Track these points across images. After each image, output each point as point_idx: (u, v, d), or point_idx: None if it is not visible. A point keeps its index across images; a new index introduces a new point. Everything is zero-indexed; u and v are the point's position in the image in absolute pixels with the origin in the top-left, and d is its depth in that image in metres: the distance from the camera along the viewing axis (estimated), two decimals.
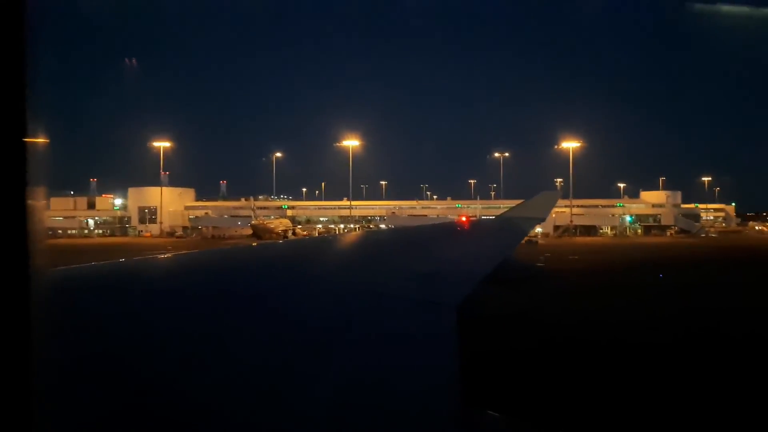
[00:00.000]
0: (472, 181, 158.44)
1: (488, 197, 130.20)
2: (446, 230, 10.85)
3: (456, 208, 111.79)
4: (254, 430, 1.56)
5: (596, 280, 34.65)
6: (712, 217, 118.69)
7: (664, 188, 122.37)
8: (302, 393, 1.80)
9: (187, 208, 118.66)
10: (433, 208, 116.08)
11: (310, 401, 1.75)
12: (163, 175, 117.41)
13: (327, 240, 9.31)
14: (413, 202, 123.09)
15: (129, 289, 2.73)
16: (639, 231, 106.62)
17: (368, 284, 3.64)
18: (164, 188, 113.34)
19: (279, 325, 2.47)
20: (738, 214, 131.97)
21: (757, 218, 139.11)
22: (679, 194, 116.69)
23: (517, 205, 12.33)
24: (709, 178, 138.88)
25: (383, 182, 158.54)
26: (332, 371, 2.01)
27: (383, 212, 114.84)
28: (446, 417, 1.81)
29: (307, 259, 4.69)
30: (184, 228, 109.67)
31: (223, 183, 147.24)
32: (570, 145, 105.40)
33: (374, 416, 1.74)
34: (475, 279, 4.50)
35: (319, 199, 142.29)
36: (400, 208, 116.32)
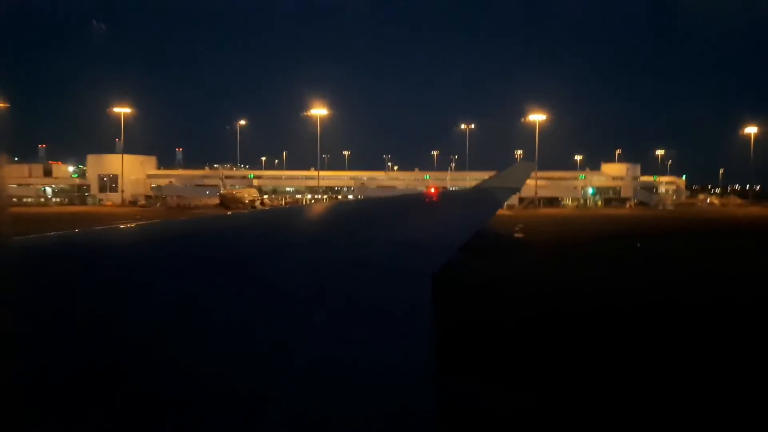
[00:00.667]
0: (435, 153, 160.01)
1: (450, 168, 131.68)
2: (421, 200, 10.74)
3: (424, 179, 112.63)
4: (229, 401, 1.51)
5: (575, 250, 35.69)
6: (663, 189, 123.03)
7: (620, 160, 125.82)
8: (278, 361, 1.81)
9: (149, 176, 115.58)
10: (400, 180, 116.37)
11: (287, 368, 1.76)
12: (118, 142, 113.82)
13: (302, 210, 9.06)
14: (381, 173, 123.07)
15: (104, 258, 2.69)
16: (599, 203, 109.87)
17: (344, 252, 3.62)
18: (126, 156, 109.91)
19: (255, 294, 2.48)
20: (686, 187, 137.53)
21: (703, 191, 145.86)
22: (638, 167, 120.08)
23: (494, 175, 12.33)
24: (662, 151, 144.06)
25: (346, 152, 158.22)
26: (307, 338, 2.02)
27: (351, 183, 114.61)
28: (422, 383, 1.82)
29: (282, 229, 4.65)
30: (147, 197, 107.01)
31: (179, 150, 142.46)
32: (536, 117, 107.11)
33: (349, 383, 1.76)
34: (451, 248, 4.50)
35: (279, 168, 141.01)
36: (369, 178, 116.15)
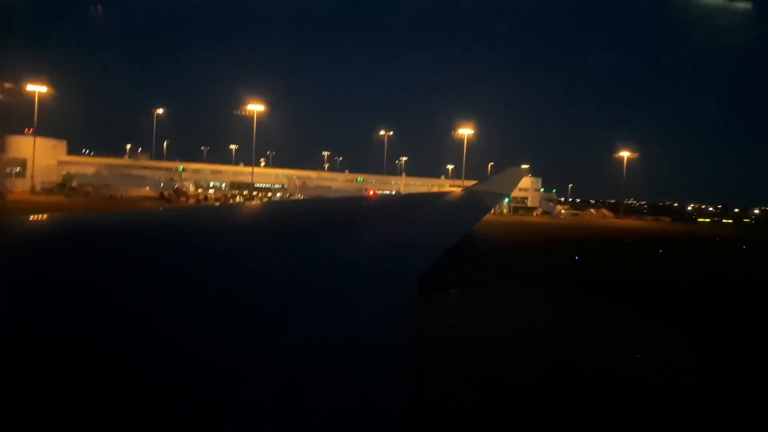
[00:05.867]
0: (325, 153, 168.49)
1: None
2: (404, 201, 10.81)
3: (357, 181, 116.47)
4: (211, 399, 1.40)
5: (556, 253, 39.52)
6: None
7: (495, 174, 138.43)
8: (259, 357, 1.73)
9: (61, 163, 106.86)
10: (333, 180, 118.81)
11: (263, 362, 1.70)
12: None
13: (273, 205, 8.21)
14: (312, 172, 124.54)
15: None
16: (505, 211, 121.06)
17: (325, 251, 3.49)
18: (37, 138, 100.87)
19: (236, 290, 2.38)
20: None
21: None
22: (540, 180, 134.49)
23: (484, 180, 12.67)
24: (527, 165, 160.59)
25: (233, 146, 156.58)
26: (286, 337, 1.96)
27: (283, 180, 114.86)
28: (400, 383, 1.78)
29: (255, 224, 4.54)
30: (60, 185, 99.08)
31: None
32: (464, 132, 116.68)
33: (328, 377, 1.72)
34: (438, 250, 4.42)
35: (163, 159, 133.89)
36: (304, 178, 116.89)
